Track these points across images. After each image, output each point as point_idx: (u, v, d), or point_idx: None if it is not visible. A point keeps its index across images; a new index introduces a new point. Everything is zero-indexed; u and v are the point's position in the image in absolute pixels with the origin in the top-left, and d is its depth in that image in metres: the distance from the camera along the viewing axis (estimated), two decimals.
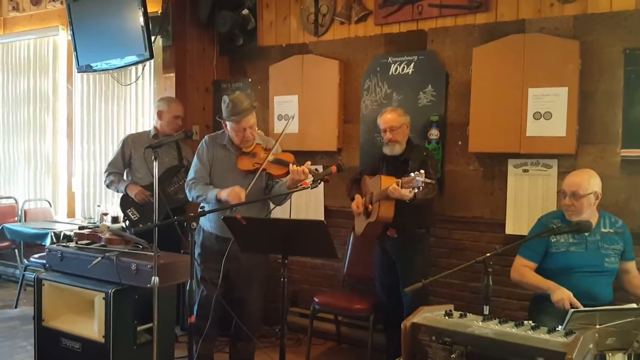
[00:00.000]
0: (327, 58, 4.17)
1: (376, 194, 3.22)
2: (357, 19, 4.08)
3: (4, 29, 6.05)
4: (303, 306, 4.33)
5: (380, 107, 3.82)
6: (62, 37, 5.59)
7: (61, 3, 5.20)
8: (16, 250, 5.44)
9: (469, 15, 3.66)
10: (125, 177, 4.11)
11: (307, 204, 4.28)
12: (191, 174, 3.17)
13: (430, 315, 1.88)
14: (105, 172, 4.11)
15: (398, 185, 2.97)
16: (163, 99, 4.16)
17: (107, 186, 4.13)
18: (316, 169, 3.07)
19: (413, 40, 3.86)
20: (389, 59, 3.93)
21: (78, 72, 4.97)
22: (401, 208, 3.15)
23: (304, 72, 4.23)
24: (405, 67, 3.86)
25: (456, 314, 1.88)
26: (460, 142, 3.68)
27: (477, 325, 1.78)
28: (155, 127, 4.09)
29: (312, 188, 2.74)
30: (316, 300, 3.73)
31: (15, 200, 5.83)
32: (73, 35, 4.71)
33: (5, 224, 5.03)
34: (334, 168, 2.78)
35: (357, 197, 3.46)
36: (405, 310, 3.31)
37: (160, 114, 4.04)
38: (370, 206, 3.29)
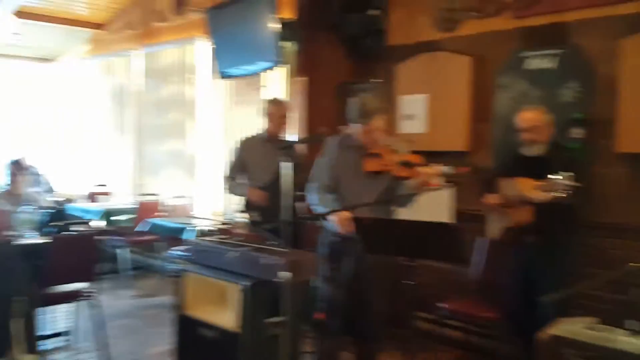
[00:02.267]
0: (458, 54, 4.04)
1: (513, 197, 3.04)
2: (492, 12, 3.90)
3: (150, 39, 6.62)
4: (429, 311, 4.22)
5: (517, 105, 3.61)
6: (202, 45, 5.99)
7: (202, 13, 5.55)
8: (160, 243, 5.90)
9: (615, 5, 3.35)
10: (242, 180, 4.10)
11: (433, 206, 4.17)
12: (315, 176, 3.20)
13: (571, 327, 1.73)
14: (225, 177, 4.14)
15: (538, 188, 2.78)
16: (271, 101, 4.20)
17: (228, 191, 4.17)
18: (445, 170, 2.95)
19: (554, 33, 3.61)
20: (528, 53, 3.71)
21: (216, 78, 5.30)
22: (542, 212, 2.95)
23: (433, 70, 4.13)
24: (546, 62, 3.63)
25: (600, 327, 1.72)
26: (605, 141, 3.38)
27: (624, 340, 1.61)
28: (265, 129, 4.06)
29: (440, 189, 2.65)
30: (443, 306, 3.62)
31: (160, 197, 6.34)
32: (212, 43, 5.03)
33: (150, 219, 5.48)
34: (465, 169, 2.67)
35: (491, 198, 3.29)
36: (540, 320, 3.09)
37: (269, 116, 4.02)
38: (506, 210, 3.12)
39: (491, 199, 3.26)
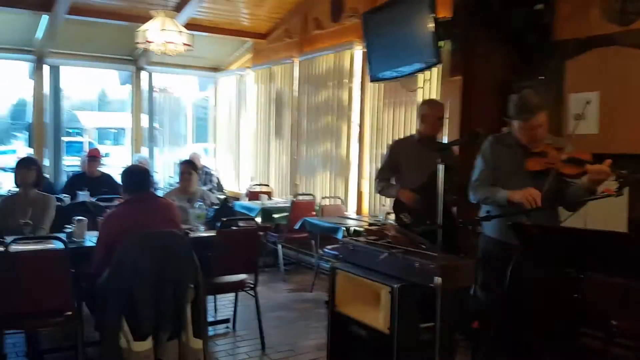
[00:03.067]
0: (636, 49, 3.64)
1: None
2: None
3: (308, 46, 6.88)
4: (597, 328, 3.85)
5: None
6: (357, 50, 6.09)
7: (357, 18, 5.65)
8: (313, 241, 6.11)
9: None
10: (394, 182, 4.08)
11: (603, 213, 3.80)
12: (475, 175, 3.08)
13: None
14: (375, 178, 4.16)
15: None
16: (426, 102, 4.11)
17: (379, 192, 4.18)
18: (622, 172, 2.64)
19: None
20: None
21: (370, 81, 5.35)
22: None
23: (607, 66, 3.77)
24: None
25: None
26: None
27: None
28: (418, 131, 3.98)
29: (617, 196, 2.40)
30: (614, 323, 3.28)
31: (314, 197, 6.57)
32: (367, 47, 5.10)
33: (306, 218, 5.70)
34: None
35: None
36: None
37: (424, 117, 3.92)
38: None
39: None
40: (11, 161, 11.44)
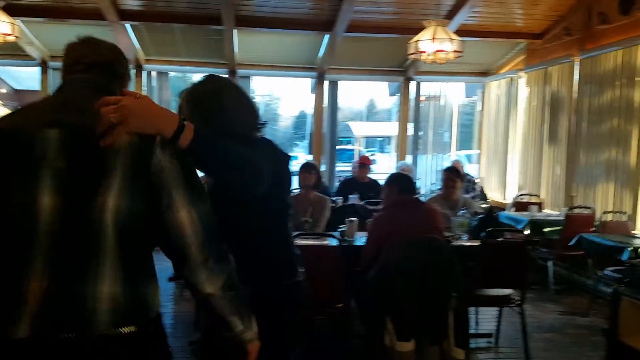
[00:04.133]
0: None
1: None
2: None
3: (590, 43, 6.21)
4: None
5: None
6: None
7: None
8: (590, 260, 5.47)
9: None
10: None
11: None
12: None
13: None
14: None
15: None
16: None
17: None
18: None
19: None
20: None
21: None
22: None
23: None
24: None
25: None
26: None
27: None
28: None
29: None
30: None
31: (593, 210, 5.88)
32: None
33: (582, 234, 5.12)
34: None
35: None
36: None
37: None
38: None
39: None
40: (294, 166, 12.94)
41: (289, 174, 1.95)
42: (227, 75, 7.76)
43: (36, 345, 1.19)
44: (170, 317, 4.81)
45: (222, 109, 1.79)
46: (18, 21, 5.37)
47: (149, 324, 1.31)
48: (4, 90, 11.73)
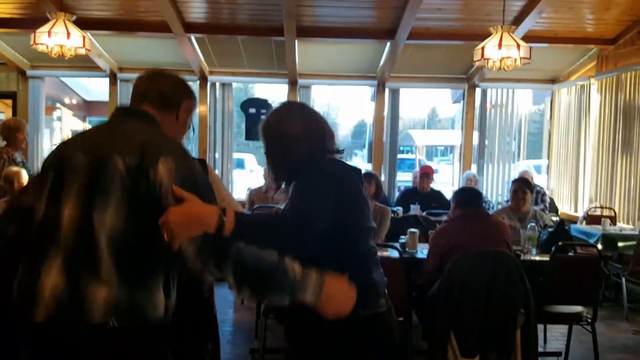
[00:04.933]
0: None
1: None
2: None
3: None
4: None
5: None
6: None
7: None
8: None
9: None
10: None
11: None
12: None
13: None
14: None
15: None
16: None
17: None
18: None
19: None
20: None
21: None
22: None
23: None
24: None
25: None
26: None
27: None
28: None
29: None
30: None
31: None
32: None
33: None
34: None
35: None
36: None
37: None
38: None
39: None
40: None
41: (358, 191, 1.87)
42: (287, 86, 7.85)
43: (49, 328, 1.45)
44: (230, 324, 4.87)
45: (281, 136, 1.87)
46: (88, 34, 5.60)
47: (142, 325, 1.47)
48: (74, 102, 12.32)
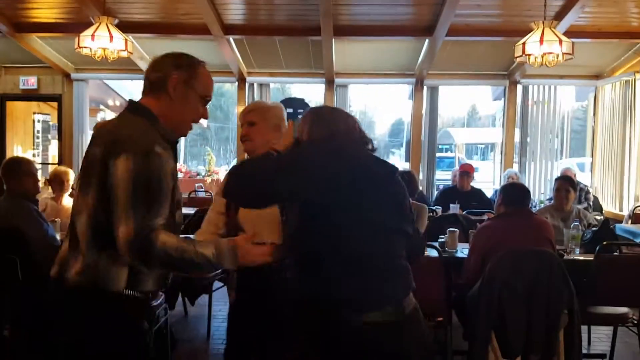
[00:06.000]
0: None
1: None
2: None
3: None
4: None
5: None
6: None
7: None
8: None
9: None
10: None
11: None
12: None
13: None
14: None
15: None
16: None
17: None
18: None
19: None
20: None
21: None
22: None
23: None
24: None
25: None
26: None
27: None
28: None
29: None
30: None
31: None
32: None
33: None
34: None
35: None
36: None
37: None
38: None
39: None
40: None
41: (382, 187, 1.88)
42: (324, 85, 7.87)
43: (53, 283, 1.79)
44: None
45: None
46: (130, 37, 5.74)
47: (102, 291, 1.71)
48: (117, 103, 12.62)
